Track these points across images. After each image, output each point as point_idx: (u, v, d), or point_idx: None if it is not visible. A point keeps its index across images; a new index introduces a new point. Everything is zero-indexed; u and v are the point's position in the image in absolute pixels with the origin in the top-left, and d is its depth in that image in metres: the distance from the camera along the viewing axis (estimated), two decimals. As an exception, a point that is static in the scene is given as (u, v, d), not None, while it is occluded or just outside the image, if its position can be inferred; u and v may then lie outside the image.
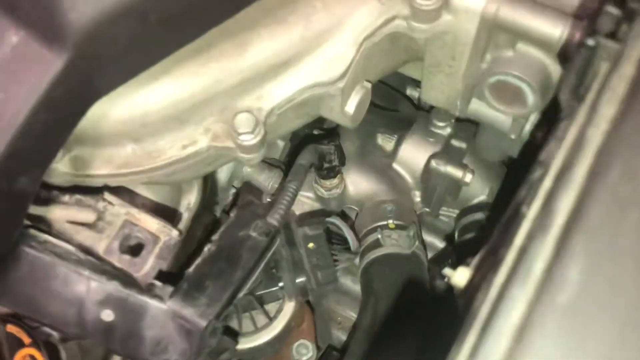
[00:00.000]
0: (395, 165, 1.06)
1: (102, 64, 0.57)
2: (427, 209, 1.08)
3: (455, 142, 1.04)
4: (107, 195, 0.65)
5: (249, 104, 0.69)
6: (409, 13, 0.69)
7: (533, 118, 0.79)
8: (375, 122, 1.02)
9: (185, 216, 0.80)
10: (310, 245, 0.79)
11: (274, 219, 0.72)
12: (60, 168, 0.67)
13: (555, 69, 0.70)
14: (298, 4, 0.68)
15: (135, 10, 0.55)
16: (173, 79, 0.65)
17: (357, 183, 1.05)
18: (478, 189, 1.05)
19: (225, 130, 0.68)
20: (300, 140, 0.99)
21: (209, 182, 0.83)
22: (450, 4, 0.68)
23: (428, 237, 1.11)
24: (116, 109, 0.64)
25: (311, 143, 0.90)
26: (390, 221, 0.99)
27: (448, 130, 1.04)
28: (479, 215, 1.02)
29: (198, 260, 0.71)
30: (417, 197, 1.08)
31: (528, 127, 0.79)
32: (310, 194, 1.01)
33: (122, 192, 0.70)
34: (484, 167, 1.05)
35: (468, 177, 1.00)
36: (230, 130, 0.68)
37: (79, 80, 0.57)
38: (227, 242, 0.72)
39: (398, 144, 1.06)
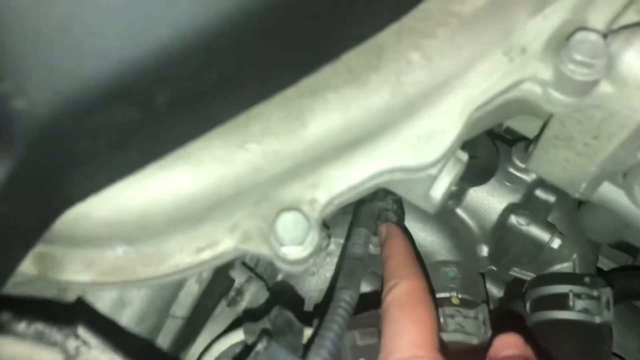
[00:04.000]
0: (460, 212, 0.84)
1: (72, 164, 0.34)
2: (494, 268, 0.87)
3: (541, 193, 0.82)
4: (81, 332, 0.43)
5: (298, 193, 0.47)
6: (551, 78, 0.46)
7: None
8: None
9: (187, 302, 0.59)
10: (361, 364, 0.58)
11: (317, 360, 0.49)
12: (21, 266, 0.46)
13: None
14: (386, 57, 0.44)
15: (131, 91, 0.32)
16: (189, 167, 0.42)
17: (412, 231, 0.83)
18: (563, 253, 0.83)
19: (261, 231, 0.46)
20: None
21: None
22: (617, 73, 0.45)
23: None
24: (100, 209, 0.42)
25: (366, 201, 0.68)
26: (454, 294, 0.77)
27: (533, 176, 0.81)
28: (559, 289, 0.80)
29: None
30: (483, 251, 0.86)
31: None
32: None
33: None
34: (573, 228, 0.83)
35: (556, 243, 0.79)
36: (269, 233, 0.45)
37: (38, 185, 0.35)
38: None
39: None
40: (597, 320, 0.75)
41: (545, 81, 0.46)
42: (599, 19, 0.46)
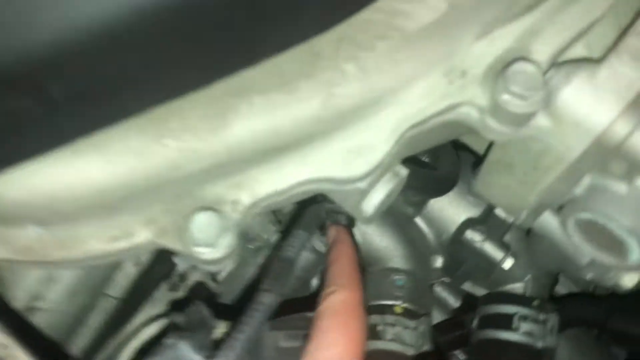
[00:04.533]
0: (419, 221, 0.83)
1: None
2: (447, 280, 0.86)
3: (500, 212, 0.81)
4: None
5: (221, 193, 0.46)
6: (488, 105, 0.45)
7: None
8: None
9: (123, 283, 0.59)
10: (281, 366, 0.57)
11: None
12: None
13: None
14: (320, 65, 0.43)
15: (21, 81, 0.31)
16: (102, 156, 0.41)
17: (367, 234, 0.83)
18: (516, 273, 0.82)
19: (177, 227, 0.46)
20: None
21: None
22: (555, 108, 0.44)
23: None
24: (11, 189, 0.41)
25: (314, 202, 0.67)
26: (399, 302, 0.77)
27: (496, 192, 0.80)
28: (506, 309, 0.79)
29: None
30: (438, 263, 0.85)
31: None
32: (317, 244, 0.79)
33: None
34: (528, 249, 0.82)
35: (507, 264, 0.78)
36: (184, 230, 0.45)
37: None
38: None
39: (428, 195, 0.82)
40: (540, 344, 0.74)
41: (482, 107, 0.45)
42: (543, 50, 0.44)
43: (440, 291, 0.90)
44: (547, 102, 0.44)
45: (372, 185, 0.49)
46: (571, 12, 0.44)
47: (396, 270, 0.79)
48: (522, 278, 0.82)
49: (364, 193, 0.49)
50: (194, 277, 0.76)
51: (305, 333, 0.58)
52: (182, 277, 0.76)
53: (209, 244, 0.44)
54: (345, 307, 0.58)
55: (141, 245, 0.46)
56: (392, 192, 0.53)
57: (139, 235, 0.46)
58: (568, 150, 0.45)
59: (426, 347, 0.73)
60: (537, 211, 0.55)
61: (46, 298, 0.60)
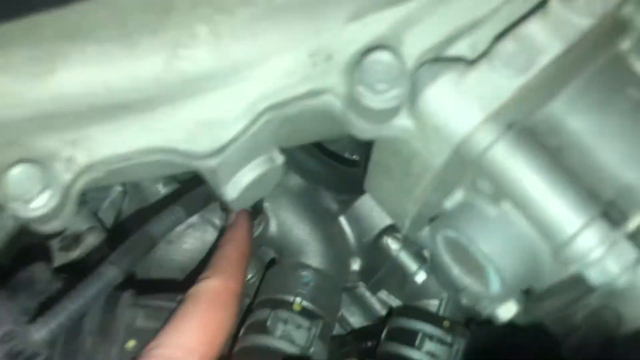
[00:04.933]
0: (342, 220, 0.79)
1: None
2: (364, 285, 0.82)
3: (424, 222, 0.76)
4: None
5: (54, 147, 0.42)
6: (346, 96, 0.40)
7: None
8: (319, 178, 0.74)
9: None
10: (131, 344, 0.54)
11: (38, 334, 0.45)
12: None
13: (550, 269, 0.41)
14: (170, 21, 0.39)
15: None
16: None
17: (284, 225, 0.79)
18: (431, 289, 0.77)
19: None
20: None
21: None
22: (417, 108, 0.39)
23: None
24: None
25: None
26: (299, 299, 0.73)
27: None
28: (413, 324, 0.74)
29: None
30: (356, 265, 0.81)
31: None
32: (216, 221, 0.75)
33: None
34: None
35: (420, 277, 0.74)
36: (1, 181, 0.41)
37: None
38: None
39: (355, 194, 0.78)
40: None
41: (343, 97, 0.40)
42: (417, 42, 0.40)
43: (369, 297, 0.86)
44: (412, 101, 0.39)
45: (230, 166, 0.45)
46: (454, 6, 0.40)
47: (306, 267, 0.75)
48: (437, 295, 0.78)
49: (214, 173, 0.45)
50: (89, 241, 0.73)
51: (167, 315, 0.55)
52: (77, 238, 0.73)
53: (25, 199, 0.41)
54: (212, 296, 0.54)
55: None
56: (264, 178, 0.49)
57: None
58: (432, 157, 0.41)
59: (316, 350, 0.70)
60: (418, 222, 0.50)
61: None
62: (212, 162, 0.44)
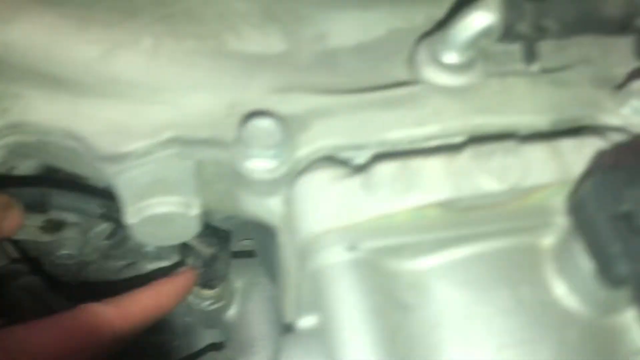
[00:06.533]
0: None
1: None
2: None
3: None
4: None
5: (-3, 92, 0.45)
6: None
7: None
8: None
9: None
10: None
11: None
12: None
13: None
14: (124, 23, 0.42)
15: None
16: None
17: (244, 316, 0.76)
18: None
19: None
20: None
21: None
22: (290, 190, 0.37)
23: None
24: None
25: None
26: None
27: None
28: None
29: None
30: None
31: None
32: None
33: None
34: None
35: None
36: None
37: None
38: None
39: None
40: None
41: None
42: (323, 135, 0.38)
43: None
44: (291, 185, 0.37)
45: (134, 186, 0.45)
46: (376, 122, 0.38)
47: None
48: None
49: (119, 186, 0.45)
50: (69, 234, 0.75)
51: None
52: (59, 226, 0.75)
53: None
54: (89, 317, 0.52)
55: None
56: (172, 222, 0.48)
57: None
58: (288, 246, 0.38)
59: None
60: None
61: None
62: (112, 168, 0.44)
